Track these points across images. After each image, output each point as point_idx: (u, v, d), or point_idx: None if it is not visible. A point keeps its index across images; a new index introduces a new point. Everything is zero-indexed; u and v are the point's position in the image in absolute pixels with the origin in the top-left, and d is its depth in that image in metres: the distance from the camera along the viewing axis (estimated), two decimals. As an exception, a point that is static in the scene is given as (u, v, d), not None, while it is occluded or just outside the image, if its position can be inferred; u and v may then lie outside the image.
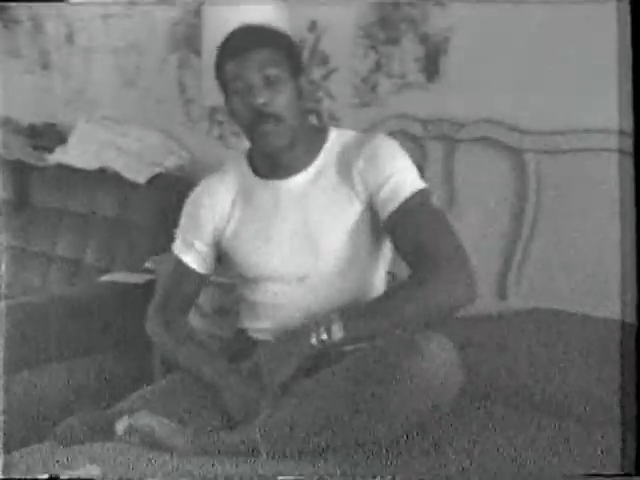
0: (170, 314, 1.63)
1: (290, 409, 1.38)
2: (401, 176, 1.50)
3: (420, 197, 1.49)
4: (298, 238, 1.54)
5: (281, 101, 1.48)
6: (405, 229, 1.48)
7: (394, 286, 1.52)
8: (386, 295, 1.51)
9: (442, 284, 1.42)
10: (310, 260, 1.53)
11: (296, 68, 1.53)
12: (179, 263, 1.64)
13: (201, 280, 1.66)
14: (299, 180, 1.56)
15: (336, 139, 1.58)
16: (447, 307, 1.44)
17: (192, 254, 1.63)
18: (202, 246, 1.63)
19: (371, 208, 1.52)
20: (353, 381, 1.35)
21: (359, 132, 1.61)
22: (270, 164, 1.57)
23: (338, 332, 1.40)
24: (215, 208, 1.62)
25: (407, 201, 1.48)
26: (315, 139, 1.58)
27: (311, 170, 1.56)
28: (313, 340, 1.40)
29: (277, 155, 1.54)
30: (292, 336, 1.44)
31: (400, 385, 1.31)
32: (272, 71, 1.47)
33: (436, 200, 1.59)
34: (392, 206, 1.48)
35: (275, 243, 1.55)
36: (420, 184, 1.51)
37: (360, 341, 1.43)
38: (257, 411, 1.41)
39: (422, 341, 1.32)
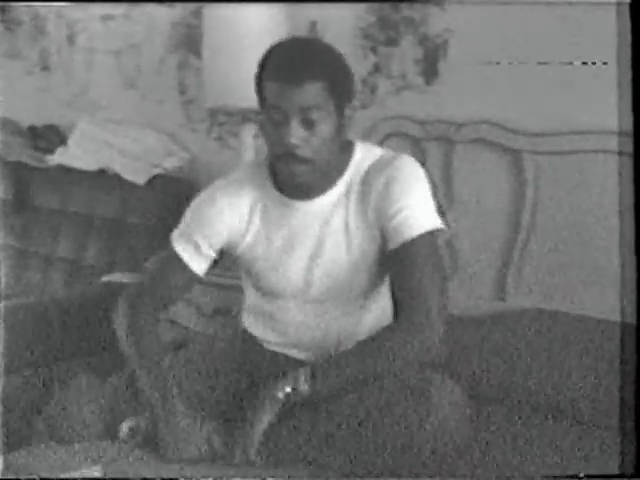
0: (145, 308, 1.55)
1: (288, 432, 1.39)
2: (413, 211, 1.44)
3: (424, 241, 1.43)
4: (316, 260, 1.50)
5: (317, 144, 1.40)
6: (399, 270, 1.45)
7: (366, 338, 1.47)
8: (357, 347, 1.44)
9: (416, 338, 1.39)
10: (326, 282, 1.51)
11: (344, 100, 1.43)
12: (175, 258, 1.55)
13: (191, 280, 1.57)
14: (324, 202, 1.50)
15: (362, 158, 1.51)
16: (415, 360, 1.41)
17: (193, 252, 1.54)
18: (206, 248, 1.54)
19: (382, 238, 1.48)
20: (355, 419, 1.35)
21: (384, 150, 1.55)
22: (295, 185, 1.49)
23: (304, 386, 1.37)
24: (232, 216, 1.54)
25: (410, 242, 1.43)
26: (341, 157, 1.50)
27: (335, 191, 1.50)
28: (280, 394, 1.37)
29: (301, 186, 1.48)
30: (260, 399, 1.39)
31: (405, 432, 1.31)
32: (314, 114, 1.38)
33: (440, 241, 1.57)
34: (395, 242, 1.44)
35: (293, 263, 1.51)
36: (430, 223, 1.45)
37: (329, 394, 1.39)
38: (196, 452, 1.40)
39: (433, 390, 1.32)
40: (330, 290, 1.51)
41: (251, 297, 1.64)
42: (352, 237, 1.49)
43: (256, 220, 1.54)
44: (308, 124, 1.39)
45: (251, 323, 1.65)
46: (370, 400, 1.36)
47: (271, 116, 1.41)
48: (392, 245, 1.45)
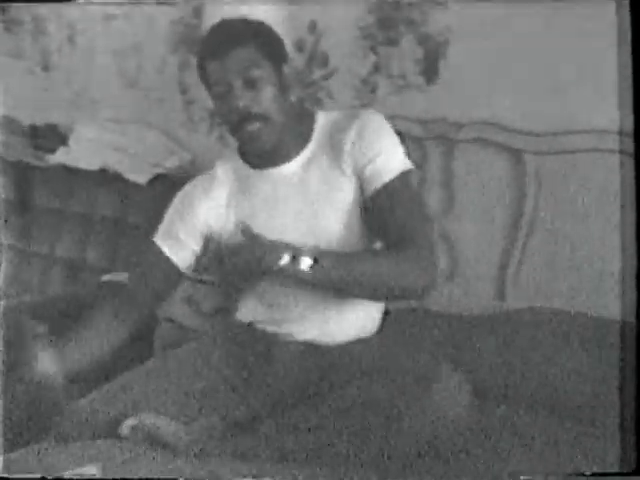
0: (131, 308, 1.58)
1: (294, 421, 1.39)
2: (387, 156, 1.52)
3: (401, 180, 1.51)
4: (301, 223, 1.54)
5: (264, 100, 1.48)
6: (383, 211, 1.50)
7: (371, 250, 1.54)
8: (364, 253, 1.52)
9: (411, 264, 1.45)
10: (314, 241, 1.51)
11: (278, 59, 1.52)
12: (158, 254, 1.59)
13: (176, 275, 1.61)
14: (293, 166, 1.56)
15: (324, 121, 1.58)
16: (410, 286, 1.46)
17: (175, 247, 1.59)
18: (188, 240, 1.59)
19: (360, 185, 1.53)
20: (361, 405, 1.36)
21: (345, 109, 1.64)
22: (262, 154, 1.56)
23: (306, 263, 1.40)
24: (209, 203, 1.60)
25: (389, 183, 1.50)
26: (304, 124, 1.58)
27: (304, 154, 1.56)
28: (280, 261, 1.39)
29: (267, 150, 1.53)
30: (262, 249, 1.41)
31: (408, 415, 1.32)
32: (253, 72, 1.46)
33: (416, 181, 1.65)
34: (374, 186, 1.50)
35: (279, 231, 1.52)
36: (404, 165, 1.53)
37: (323, 285, 1.43)
38: None
39: (435, 376, 1.36)
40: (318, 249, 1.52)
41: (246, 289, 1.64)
42: (332, 192, 1.53)
43: (235, 200, 1.59)
44: (250, 84, 1.47)
45: (247, 312, 1.64)
46: (372, 388, 1.37)
47: (217, 93, 1.49)
48: (371, 189, 1.51)
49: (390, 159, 1.52)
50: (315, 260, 1.40)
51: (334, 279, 1.43)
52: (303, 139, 1.57)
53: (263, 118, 1.48)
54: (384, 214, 1.50)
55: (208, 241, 1.61)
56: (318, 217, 1.53)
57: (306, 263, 1.40)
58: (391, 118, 2.08)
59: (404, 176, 1.52)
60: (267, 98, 1.48)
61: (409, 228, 1.48)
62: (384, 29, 2.19)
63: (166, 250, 1.60)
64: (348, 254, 1.49)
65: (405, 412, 1.32)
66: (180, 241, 1.60)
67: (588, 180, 1.83)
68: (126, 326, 1.58)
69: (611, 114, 1.65)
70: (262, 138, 1.50)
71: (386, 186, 1.50)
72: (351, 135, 1.53)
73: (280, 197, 1.56)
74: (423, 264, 1.46)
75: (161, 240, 1.61)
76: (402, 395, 1.34)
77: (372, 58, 2.22)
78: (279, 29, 2.07)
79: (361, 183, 1.52)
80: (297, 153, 1.56)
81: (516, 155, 1.92)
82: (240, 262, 1.42)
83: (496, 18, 1.94)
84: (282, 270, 1.40)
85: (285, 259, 1.39)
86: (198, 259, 1.62)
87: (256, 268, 1.41)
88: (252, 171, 1.59)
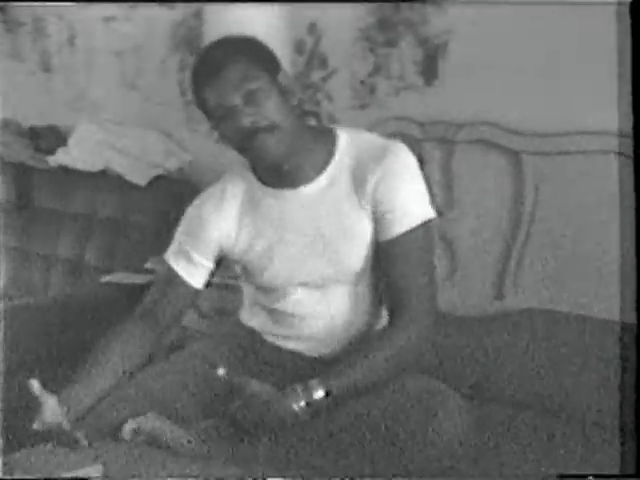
0: (148, 331, 1.56)
1: (292, 432, 1.38)
2: (409, 204, 1.47)
3: (417, 232, 1.47)
4: (314, 247, 1.51)
5: (269, 111, 1.42)
6: (391, 262, 1.47)
7: (369, 340, 1.51)
8: (363, 350, 1.46)
9: (414, 334, 1.44)
10: (327, 269, 1.51)
11: (272, 68, 1.47)
12: (173, 275, 1.57)
13: (192, 296, 1.60)
14: (310, 190, 1.51)
15: (348, 145, 1.52)
16: (411, 357, 1.46)
17: (189, 267, 1.57)
18: (202, 260, 1.57)
19: (377, 227, 1.49)
20: (360, 423, 1.36)
21: (371, 134, 1.57)
22: (277, 172, 1.51)
23: (319, 394, 1.37)
24: (220, 221, 1.56)
25: (406, 234, 1.46)
26: (322, 143, 1.52)
27: (322, 180, 1.51)
28: (295, 407, 1.36)
29: (281, 163, 1.48)
30: (278, 399, 1.38)
31: (406, 436, 1.32)
32: (250, 86, 1.41)
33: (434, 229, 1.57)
34: (391, 234, 1.47)
35: (291, 253, 1.51)
36: (424, 215, 1.48)
37: (341, 400, 1.39)
38: None
39: (438, 401, 1.34)
40: (330, 277, 1.52)
41: (250, 293, 1.64)
42: (346, 220, 1.50)
43: (246, 219, 1.55)
44: (250, 98, 1.41)
45: (252, 318, 1.64)
46: (374, 410, 1.37)
47: (219, 117, 1.44)
48: (386, 236, 1.47)
49: (412, 209, 1.47)
50: (327, 393, 1.37)
51: (345, 398, 1.40)
52: (322, 161, 1.51)
53: (271, 128, 1.43)
54: (391, 265, 1.47)
55: (221, 257, 1.59)
56: (332, 245, 1.50)
57: (319, 394, 1.37)
58: (390, 119, 2.11)
59: (422, 227, 1.47)
60: (271, 108, 1.42)
61: (413, 294, 1.45)
62: (383, 30, 2.19)
63: (182, 273, 1.57)
64: (351, 364, 1.43)
65: (403, 433, 1.32)
66: (193, 262, 1.57)
67: (587, 181, 1.82)
68: (145, 351, 1.57)
69: (610, 115, 1.65)
70: (272, 148, 1.44)
71: (402, 236, 1.46)
72: (376, 176, 1.47)
73: (293, 220, 1.52)
74: (420, 334, 1.45)
75: (174, 261, 1.58)
76: (401, 416, 1.34)
77: (371, 59, 2.22)
78: (278, 31, 2.08)
79: (378, 226, 1.48)
80: (315, 176, 1.51)
81: (515, 156, 1.92)
82: (254, 417, 1.38)
83: (495, 19, 1.93)
84: (296, 415, 1.37)
85: (301, 404, 1.37)
86: (212, 274, 1.60)
87: (273, 421, 1.38)
88: (265, 189, 1.54)
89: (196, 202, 1.61)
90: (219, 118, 1.44)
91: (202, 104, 1.46)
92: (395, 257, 1.47)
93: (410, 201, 1.47)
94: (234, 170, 1.61)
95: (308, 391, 1.37)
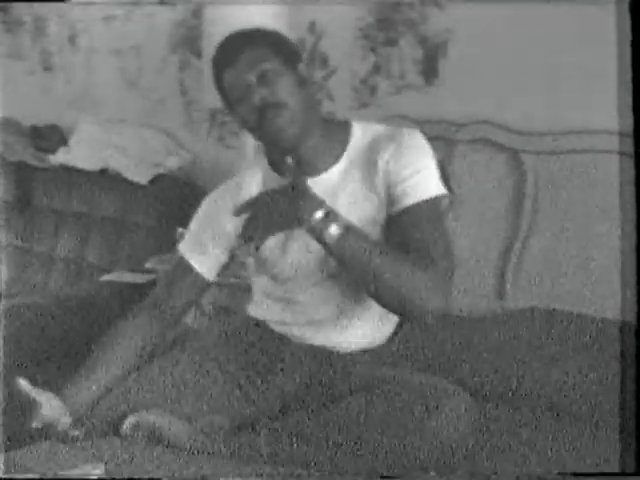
0: (158, 322, 1.58)
1: (293, 427, 1.39)
2: (421, 177, 1.47)
3: (430, 205, 1.47)
4: None
5: (280, 90, 1.46)
6: (406, 230, 1.46)
7: (398, 252, 1.45)
8: (389, 251, 1.43)
9: (427, 283, 1.39)
10: None
11: (290, 58, 1.51)
12: (185, 266, 1.60)
13: (202, 287, 1.61)
14: (324, 180, 1.51)
15: (361, 134, 1.54)
16: (420, 303, 1.39)
17: (202, 258, 1.59)
18: (216, 251, 1.59)
19: (387, 201, 1.50)
20: (361, 420, 1.35)
21: (385, 126, 1.57)
22: (286, 141, 1.50)
23: (336, 231, 1.36)
24: (235, 218, 1.52)
25: (418, 204, 1.46)
26: (337, 134, 1.54)
27: (336, 170, 1.52)
28: (316, 215, 1.35)
29: (296, 149, 1.49)
30: (303, 197, 1.37)
31: (408, 434, 1.31)
32: (265, 66, 1.46)
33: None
34: (402, 205, 1.47)
35: (306, 243, 1.49)
36: (437, 189, 1.49)
37: (343, 260, 1.39)
38: None
39: (443, 397, 1.33)
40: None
41: (261, 286, 1.64)
42: (361, 207, 1.50)
43: None
44: (264, 79, 1.46)
45: (263, 311, 1.64)
46: (376, 405, 1.36)
47: (235, 98, 1.48)
48: (401, 206, 1.47)
49: (424, 181, 1.48)
50: (343, 233, 1.37)
51: (353, 259, 1.39)
52: (337, 151, 1.53)
53: (280, 106, 1.45)
54: (407, 233, 1.46)
55: (235, 251, 1.60)
56: None
57: (335, 231, 1.36)
58: (390, 118, 2.11)
59: (434, 201, 1.48)
60: (282, 87, 1.46)
61: (431, 250, 1.42)
62: (383, 29, 2.19)
63: (195, 265, 1.59)
64: (377, 243, 1.45)
65: (405, 431, 1.31)
66: (208, 254, 1.59)
67: (587, 180, 1.82)
68: (150, 344, 1.58)
69: (611, 115, 1.65)
70: (283, 127, 1.46)
71: (414, 206, 1.46)
72: (388, 151, 1.49)
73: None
74: (439, 286, 1.40)
75: (189, 253, 1.60)
76: (404, 411, 1.33)
77: (371, 58, 2.22)
78: (279, 29, 2.08)
79: (389, 199, 1.49)
80: (330, 165, 1.53)
81: (515, 155, 1.92)
82: (277, 206, 1.39)
83: (495, 19, 1.94)
84: (312, 228, 1.36)
85: (319, 214, 1.36)
86: (225, 266, 1.62)
87: (291, 215, 1.38)
88: (280, 180, 1.53)
89: (212, 195, 1.64)
90: (235, 100, 1.49)
91: (221, 86, 1.51)
92: (406, 226, 1.46)
93: (422, 175, 1.48)
94: (251, 165, 1.64)
95: (333, 212, 1.36)
